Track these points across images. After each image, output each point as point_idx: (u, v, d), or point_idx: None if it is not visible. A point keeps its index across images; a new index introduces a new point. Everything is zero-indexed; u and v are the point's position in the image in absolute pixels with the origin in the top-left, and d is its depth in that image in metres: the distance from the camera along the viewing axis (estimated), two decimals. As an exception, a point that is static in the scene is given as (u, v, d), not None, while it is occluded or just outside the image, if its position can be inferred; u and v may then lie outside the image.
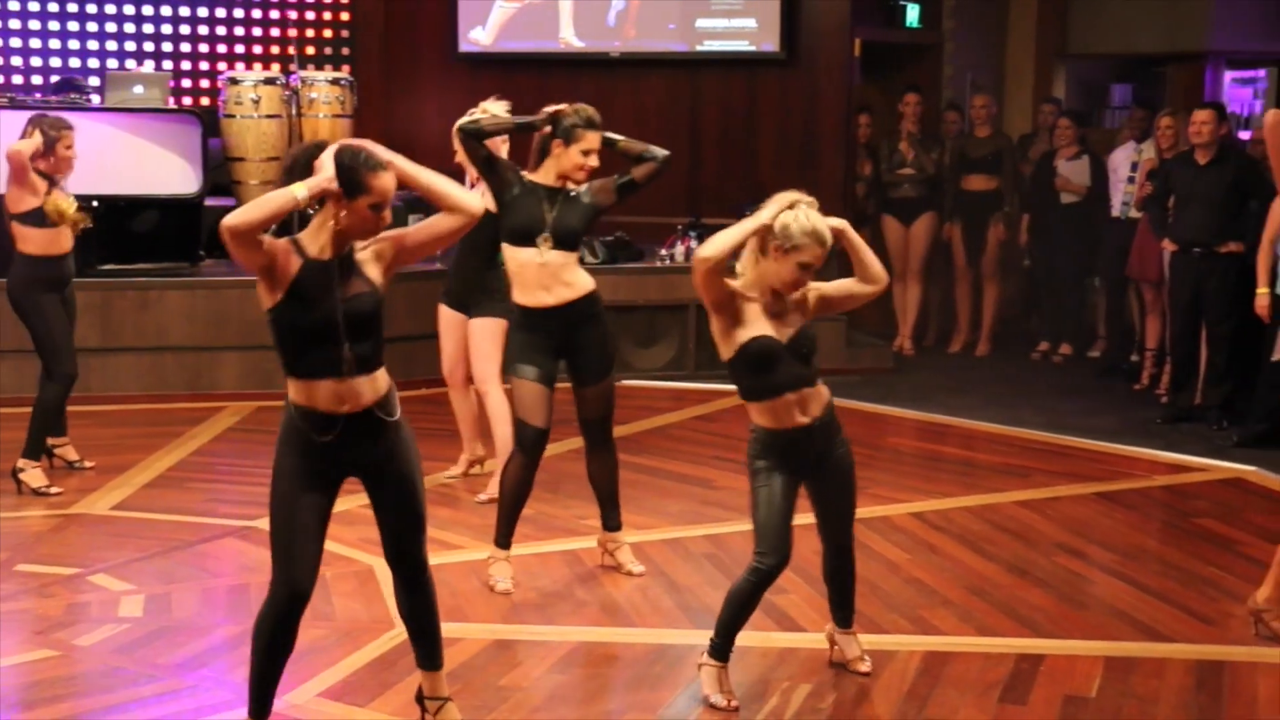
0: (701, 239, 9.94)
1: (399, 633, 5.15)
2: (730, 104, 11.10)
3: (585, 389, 5.58)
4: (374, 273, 3.90)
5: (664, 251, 9.90)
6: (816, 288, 4.48)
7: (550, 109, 5.49)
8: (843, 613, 4.80)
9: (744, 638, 4.63)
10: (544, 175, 5.51)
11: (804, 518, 6.64)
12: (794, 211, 4.32)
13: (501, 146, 6.55)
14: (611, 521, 5.82)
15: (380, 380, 3.93)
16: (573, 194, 5.51)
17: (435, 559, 5.79)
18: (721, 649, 4.53)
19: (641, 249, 10.02)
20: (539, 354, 5.47)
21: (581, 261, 9.32)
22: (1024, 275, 11.69)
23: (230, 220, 3.66)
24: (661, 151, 5.57)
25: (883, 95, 11.80)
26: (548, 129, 5.49)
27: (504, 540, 5.63)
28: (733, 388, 4.50)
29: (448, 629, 5.20)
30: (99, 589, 5.57)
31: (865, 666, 4.76)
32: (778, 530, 4.41)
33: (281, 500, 3.89)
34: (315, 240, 3.84)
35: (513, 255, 5.50)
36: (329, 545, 4.14)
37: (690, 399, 9.02)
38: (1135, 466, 7.70)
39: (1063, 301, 10.58)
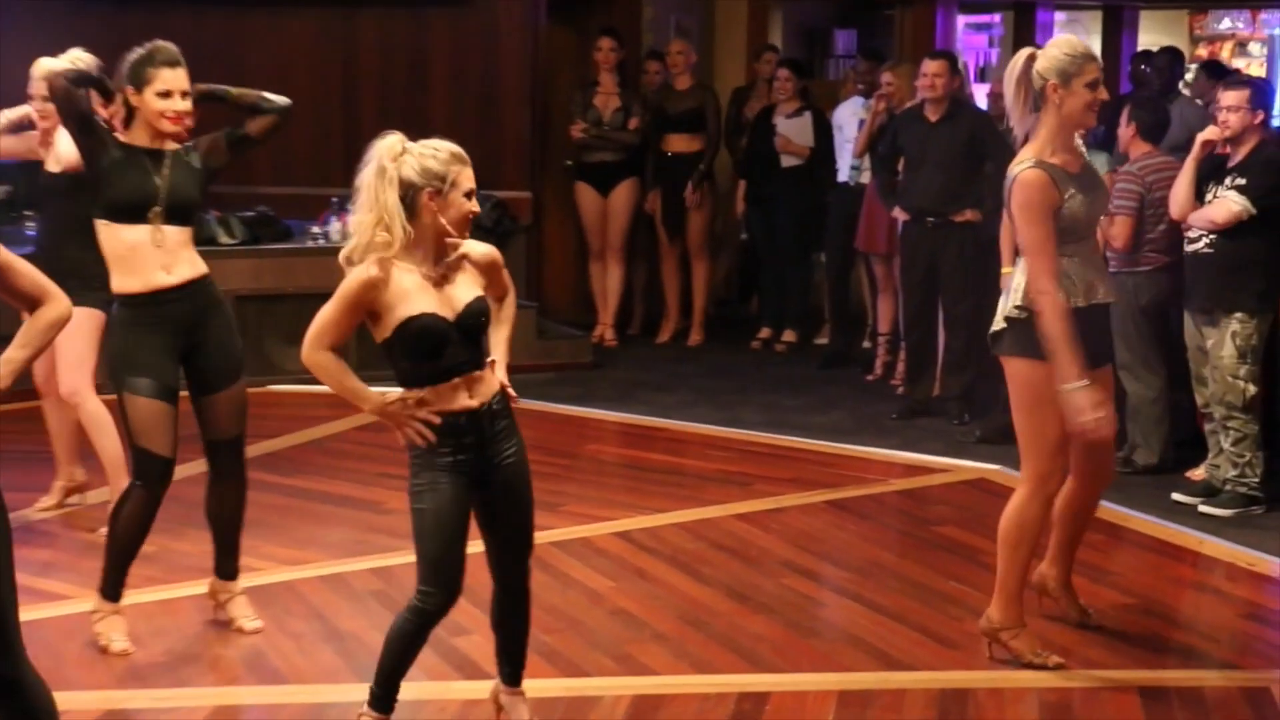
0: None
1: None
2: (392, 51, 11.00)
3: (215, 395, 5.42)
4: None
5: (316, 229, 9.76)
6: (490, 256, 4.47)
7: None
8: (513, 668, 4.70)
9: (420, 688, 4.60)
10: (138, 136, 5.33)
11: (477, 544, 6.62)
12: (411, 153, 4.28)
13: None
14: (227, 567, 5.64)
15: None
16: (181, 155, 5.36)
17: (31, 613, 5.58)
18: (383, 700, 4.47)
19: (289, 226, 9.85)
20: (156, 358, 5.27)
21: (214, 241, 9.30)
22: (741, 251, 11.96)
23: None
24: (280, 100, 5.48)
25: (574, 41, 11.89)
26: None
27: (114, 590, 5.42)
28: (402, 390, 4.44)
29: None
30: None
31: None
32: (450, 559, 4.36)
33: None
34: None
35: (115, 235, 5.30)
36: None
37: (351, 405, 8.85)
38: (869, 469, 7.97)
39: (785, 281, 10.84)
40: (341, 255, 4.34)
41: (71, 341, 6.30)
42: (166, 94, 5.24)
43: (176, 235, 5.31)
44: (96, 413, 6.47)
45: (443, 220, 4.29)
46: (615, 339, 10.93)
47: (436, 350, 4.32)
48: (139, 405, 5.26)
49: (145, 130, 5.32)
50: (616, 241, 10.86)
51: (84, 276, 6.14)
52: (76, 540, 6.56)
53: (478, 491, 4.42)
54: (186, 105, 5.29)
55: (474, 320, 4.36)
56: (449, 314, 4.32)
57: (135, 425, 5.29)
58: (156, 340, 5.29)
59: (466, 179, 4.31)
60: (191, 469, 6.79)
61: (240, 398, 5.49)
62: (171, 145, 5.35)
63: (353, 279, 4.30)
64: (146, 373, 5.26)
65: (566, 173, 11.06)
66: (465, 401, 4.35)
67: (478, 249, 4.44)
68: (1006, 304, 5.24)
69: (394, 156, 4.28)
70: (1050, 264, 5.06)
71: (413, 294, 4.30)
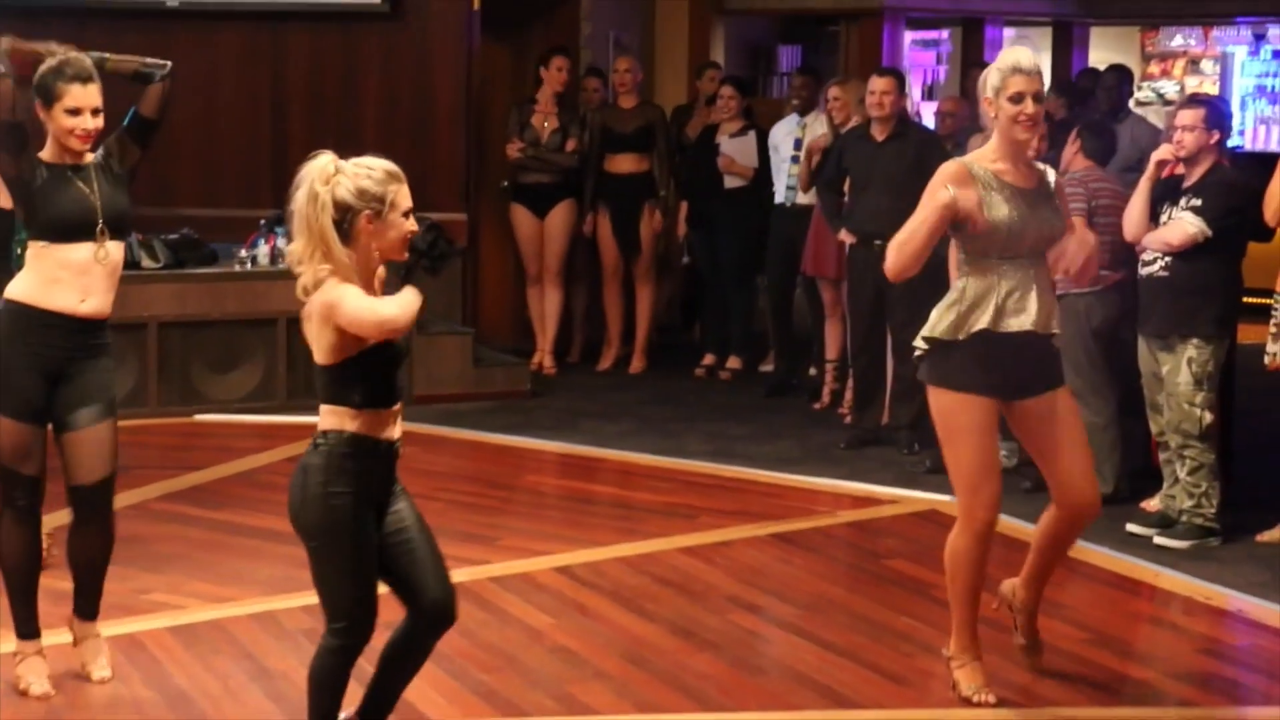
0: (291, 237, 9.82)
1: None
2: (322, 68, 10.97)
3: (82, 431, 5.25)
4: None
5: (244, 253, 9.72)
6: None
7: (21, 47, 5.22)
8: (385, 712, 4.61)
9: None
10: (50, 153, 5.24)
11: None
12: (344, 174, 4.23)
13: None
14: (88, 607, 5.46)
15: None
16: (100, 165, 5.27)
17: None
18: None
19: (215, 249, 9.80)
20: (27, 379, 5.19)
21: (137, 265, 9.24)
22: (684, 275, 11.98)
23: None
24: (160, 63, 5.38)
25: (510, 59, 11.90)
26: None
27: (25, 628, 5.35)
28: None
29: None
30: None
31: None
32: (368, 594, 4.32)
33: None
34: None
35: (57, 257, 5.18)
36: None
37: (281, 436, 8.87)
38: (817, 501, 8.00)
39: (729, 305, 10.87)
40: (299, 289, 4.24)
41: None
42: (76, 111, 5.15)
43: (117, 251, 5.27)
44: None
45: (381, 242, 4.27)
46: (554, 366, 10.92)
47: (394, 374, 4.34)
48: (5, 426, 5.19)
49: (54, 146, 5.24)
50: (554, 265, 10.86)
51: None
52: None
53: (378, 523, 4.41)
54: (97, 123, 5.20)
55: (408, 349, 4.44)
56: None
57: (1, 446, 5.21)
58: (32, 362, 5.20)
59: (404, 198, 4.29)
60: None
61: (106, 438, 5.30)
62: (89, 157, 5.28)
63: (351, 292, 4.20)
64: (16, 393, 5.19)
65: (502, 194, 11.06)
66: (392, 431, 4.37)
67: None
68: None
69: (326, 179, 4.23)
70: (905, 246, 5.28)
71: None
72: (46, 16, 10.37)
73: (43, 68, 5.21)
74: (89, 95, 5.18)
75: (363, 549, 4.32)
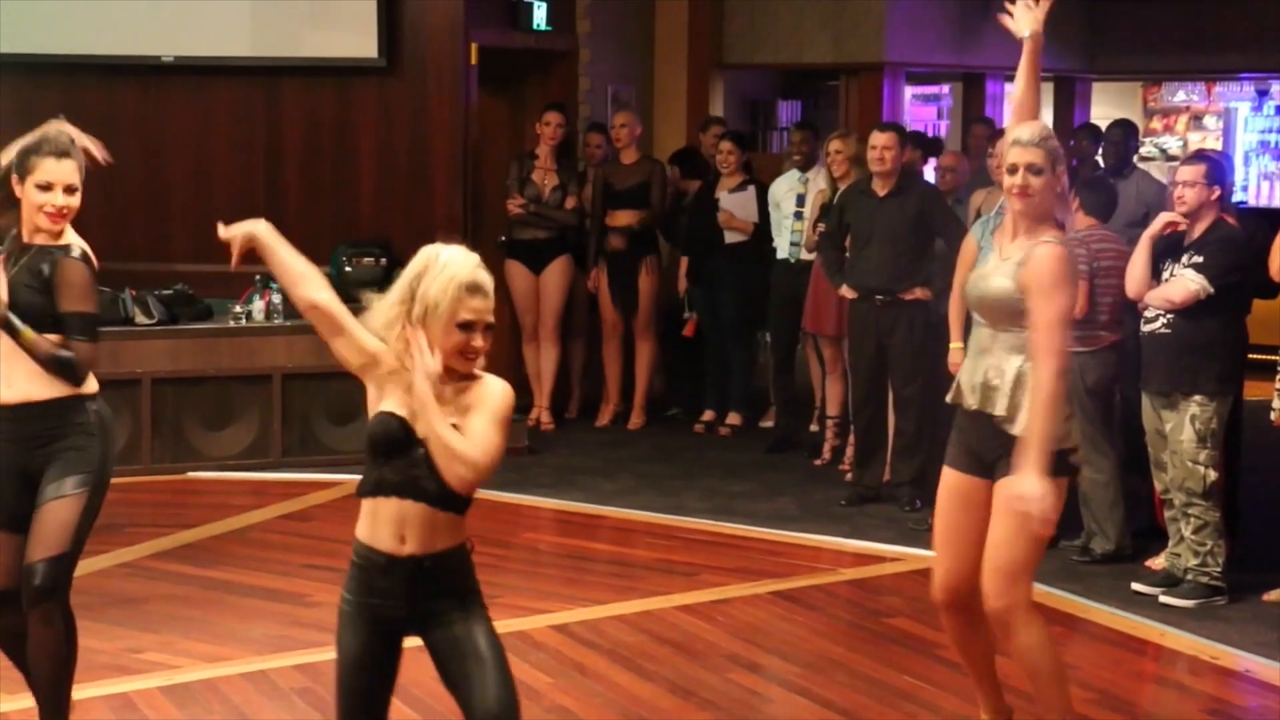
0: (284, 292, 9.81)
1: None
2: (317, 123, 11.01)
3: (42, 505, 4.95)
4: None
5: (239, 308, 9.74)
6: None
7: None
8: None
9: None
10: (25, 231, 5.05)
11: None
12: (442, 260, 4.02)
13: None
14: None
15: None
16: (37, 258, 5.00)
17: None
18: None
19: (209, 305, 9.83)
20: None
21: (130, 321, 9.26)
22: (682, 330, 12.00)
23: None
24: (65, 356, 4.97)
25: (508, 113, 11.96)
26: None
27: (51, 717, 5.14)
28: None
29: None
30: None
31: None
32: (359, 710, 4.09)
33: None
34: None
35: None
36: None
37: (275, 493, 8.88)
38: (818, 558, 8.00)
39: (729, 361, 10.90)
40: None
41: None
42: (48, 186, 4.96)
43: (11, 344, 4.97)
44: None
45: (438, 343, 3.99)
46: (552, 422, 10.93)
47: (386, 453, 4.04)
48: None
49: (27, 225, 5.04)
50: (550, 321, 10.89)
51: None
52: None
53: (427, 639, 4.15)
54: (69, 201, 5.00)
55: (404, 434, 4.04)
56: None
57: None
58: None
59: (466, 310, 3.97)
60: (101, 562, 6.78)
61: (53, 517, 4.94)
62: (68, 237, 5.06)
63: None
64: None
65: (498, 250, 11.10)
66: (386, 540, 4.05)
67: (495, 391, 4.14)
68: None
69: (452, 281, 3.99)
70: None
71: (397, 391, 4.04)
72: (43, 71, 10.46)
73: (21, 142, 5.04)
74: (63, 171, 4.98)
75: (341, 663, 4.10)
